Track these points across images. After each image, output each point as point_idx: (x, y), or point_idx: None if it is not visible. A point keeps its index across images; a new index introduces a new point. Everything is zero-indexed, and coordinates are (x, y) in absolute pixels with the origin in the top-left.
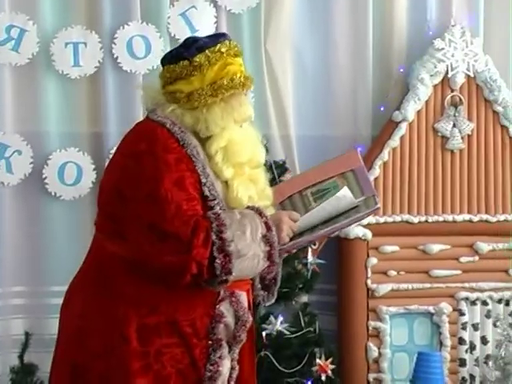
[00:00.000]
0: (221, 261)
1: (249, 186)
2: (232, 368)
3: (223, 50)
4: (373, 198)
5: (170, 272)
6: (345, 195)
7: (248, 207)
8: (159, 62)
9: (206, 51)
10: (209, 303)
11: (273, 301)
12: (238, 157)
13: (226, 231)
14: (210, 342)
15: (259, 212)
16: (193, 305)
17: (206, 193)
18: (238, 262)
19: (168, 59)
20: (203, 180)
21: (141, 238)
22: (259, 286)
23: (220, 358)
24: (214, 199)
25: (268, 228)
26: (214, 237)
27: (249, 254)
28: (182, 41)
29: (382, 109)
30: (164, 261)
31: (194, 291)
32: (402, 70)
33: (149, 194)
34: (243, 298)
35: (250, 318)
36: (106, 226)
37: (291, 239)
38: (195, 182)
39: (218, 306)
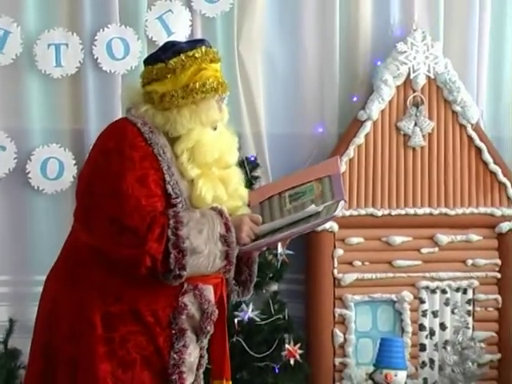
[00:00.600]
0: (175, 256)
1: (217, 186)
2: (201, 356)
3: (197, 55)
4: (336, 204)
5: (127, 264)
6: (311, 209)
7: (211, 208)
8: (140, 63)
9: (182, 55)
10: (171, 295)
11: (249, 296)
12: (204, 157)
13: (183, 228)
14: (173, 332)
15: (220, 213)
16: (155, 296)
17: (170, 191)
18: (193, 259)
19: (147, 61)
20: (167, 178)
21: (103, 230)
22: (233, 282)
23: (184, 346)
24: (177, 197)
25: (227, 229)
26: (169, 233)
27: (204, 252)
28: (159, 43)
29: (347, 109)
30: (121, 253)
31: (156, 283)
32: (368, 71)
33: (112, 188)
34: (208, 291)
35: (216, 311)
36: (80, 216)
37: (254, 241)
38: (159, 180)
39: (180, 298)
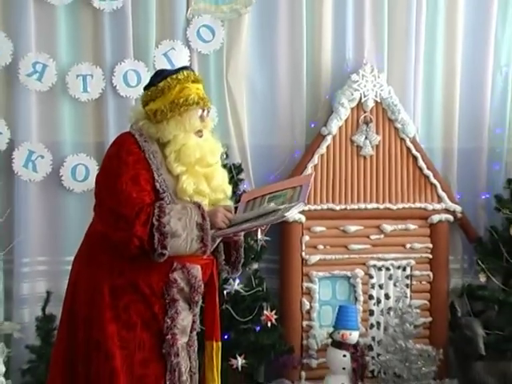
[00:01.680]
0: (158, 238)
1: (200, 181)
2: (193, 321)
3: (181, 77)
4: (293, 206)
5: (121, 244)
6: (271, 207)
7: (193, 202)
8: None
9: (168, 78)
10: (163, 272)
11: (237, 274)
12: (188, 157)
13: (164, 217)
14: (166, 301)
15: (198, 205)
16: (150, 272)
17: (158, 187)
18: (173, 241)
19: (145, 87)
20: (156, 177)
21: (106, 218)
22: (224, 263)
23: (176, 313)
24: (164, 192)
25: (203, 218)
26: (154, 220)
27: (182, 236)
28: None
29: (312, 125)
30: (116, 236)
31: (151, 262)
32: (327, 97)
33: (111, 186)
34: (196, 270)
35: (202, 286)
36: (95, 209)
37: (229, 227)
38: (149, 179)
39: (171, 275)
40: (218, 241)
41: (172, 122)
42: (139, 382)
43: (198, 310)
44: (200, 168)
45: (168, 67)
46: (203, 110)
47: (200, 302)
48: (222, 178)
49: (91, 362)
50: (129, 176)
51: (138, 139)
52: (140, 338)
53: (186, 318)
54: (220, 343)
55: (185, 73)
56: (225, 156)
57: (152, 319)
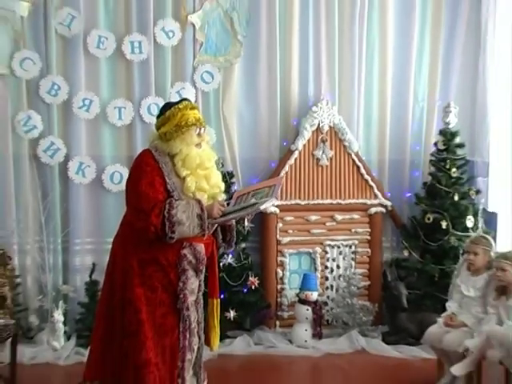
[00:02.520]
0: (168, 226)
1: (201, 181)
2: (199, 285)
3: (181, 106)
4: (268, 200)
5: (141, 231)
6: (251, 201)
7: (195, 198)
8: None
9: (172, 108)
10: (176, 249)
11: (231, 250)
12: (191, 164)
13: (173, 210)
14: (179, 270)
15: (199, 201)
16: (166, 249)
17: (168, 188)
18: (179, 228)
19: (157, 116)
20: (167, 180)
21: (131, 212)
22: (221, 241)
23: (186, 279)
24: (173, 191)
25: (202, 211)
26: (165, 212)
27: (186, 224)
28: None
29: (284, 143)
30: (138, 224)
31: (166, 243)
32: (295, 123)
33: (134, 188)
34: (200, 247)
35: (205, 259)
36: (126, 205)
37: (222, 217)
38: (162, 182)
39: (181, 251)
40: (216, 226)
41: (177, 140)
42: (159, 330)
43: (202, 276)
44: (200, 171)
45: None
46: (199, 129)
47: (204, 271)
48: (217, 177)
49: (125, 315)
50: (147, 181)
51: (153, 154)
52: (160, 297)
53: (193, 283)
54: (219, 300)
55: (184, 103)
56: (221, 165)
57: (169, 284)
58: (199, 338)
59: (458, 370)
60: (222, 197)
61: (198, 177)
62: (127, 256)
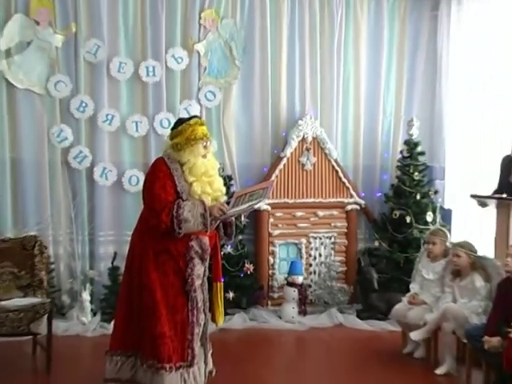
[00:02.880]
0: (175, 223)
1: (205, 186)
2: (204, 270)
3: (192, 122)
4: (261, 200)
5: (154, 227)
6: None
7: (199, 200)
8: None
9: (184, 124)
10: (185, 241)
11: (231, 242)
12: (196, 172)
13: (180, 210)
14: (187, 259)
15: (202, 202)
16: (177, 241)
17: (178, 190)
18: (185, 225)
19: (171, 128)
20: (177, 184)
21: (145, 212)
22: (223, 235)
23: (193, 265)
24: (182, 193)
25: (205, 210)
26: (173, 212)
27: (191, 222)
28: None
29: (275, 151)
30: (151, 222)
31: (176, 237)
32: (284, 134)
33: (149, 191)
34: (205, 239)
35: (209, 249)
36: (145, 202)
37: (222, 215)
38: (173, 185)
39: (189, 243)
40: (218, 222)
41: (187, 151)
42: (172, 309)
43: (207, 263)
44: (205, 178)
45: (186, 116)
46: (206, 142)
47: (208, 259)
48: (219, 182)
49: (142, 297)
50: (160, 184)
51: (166, 161)
52: (172, 281)
53: (199, 269)
54: (222, 284)
55: (195, 120)
56: (222, 170)
57: (179, 270)
58: (205, 314)
59: (416, 335)
60: (224, 199)
61: (202, 183)
62: (144, 247)
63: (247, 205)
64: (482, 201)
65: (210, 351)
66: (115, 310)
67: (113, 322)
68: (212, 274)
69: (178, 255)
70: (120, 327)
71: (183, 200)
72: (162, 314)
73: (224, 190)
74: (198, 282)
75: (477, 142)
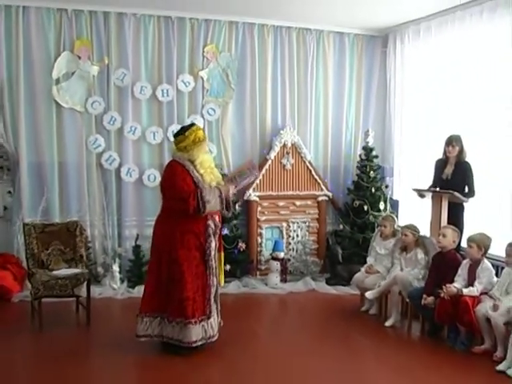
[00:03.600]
0: (201, 204)
1: (211, 175)
2: (215, 244)
3: (194, 128)
4: (251, 178)
5: (184, 211)
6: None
7: (215, 186)
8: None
9: (189, 130)
10: (204, 221)
11: (230, 214)
12: (205, 165)
13: (203, 194)
14: (206, 235)
15: (218, 188)
16: (198, 222)
17: (194, 180)
18: (208, 205)
19: (177, 135)
20: (193, 176)
21: (171, 202)
22: (225, 210)
23: (210, 240)
24: (198, 183)
25: (220, 193)
26: (198, 195)
27: (212, 203)
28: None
29: (264, 151)
30: (182, 207)
31: (198, 218)
32: (269, 140)
33: (173, 186)
34: (217, 218)
35: (220, 225)
36: (163, 196)
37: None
38: (190, 178)
39: (207, 222)
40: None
41: (195, 150)
42: (195, 276)
43: (217, 238)
44: (209, 169)
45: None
46: (205, 141)
47: (218, 235)
48: (217, 172)
49: (171, 269)
50: (180, 178)
51: (179, 161)
52: (194, 254)
53: (213, 242)
54: (222, 254)
55: (195, 126)
56: (220, 169)
57: (200, 245)
58: (216, 278)
59: (370, 294)
60: (222, 183)
61: (209, 173)
62: (171, 230)
63: (243, 182)
64: (421, 193)
65: (220, 307)
66: (144, 281)
67: (142, 290)
68: (217, 247)
69: (200, 233)
70: (149, 295)
71: (200, 188)
72: (187, 281)
73: (220, 177)
74: (212, 254)
75: (417, 148)
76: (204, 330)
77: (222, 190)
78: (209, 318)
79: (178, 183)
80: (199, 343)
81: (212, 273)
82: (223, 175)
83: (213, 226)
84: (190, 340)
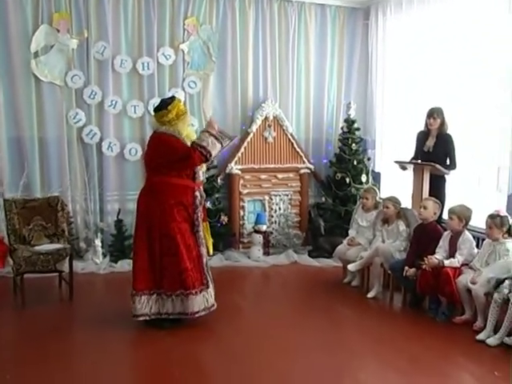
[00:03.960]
0: (204, 152)
1: (192, 139)
2: (201, 214)
3: (176, 102)
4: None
5: (189, 165)
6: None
7: (201, 131)
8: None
9: (171, 104)
10: (191, 193)
11: (210, 162)
12: (191, 138)
13: (199, 140)
14: (193, 207)
15: (202, 131)
16: (186, 194)
17: (184, 143)
18: (209, 147)
19: (158, 109)
20: (181, 140)
21: (170, 165)
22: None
23: (198, 211)
24: (186, 143)
25: (207, 131)
26: (195, 145)
27: (210, 144)
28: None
29: (243, 127)
30: (183, 165)
31: (187, 190)
32: (250, 114)
33: (172, 149)
34: (201, 189)
35: (204, 195)
36: (152, 166)
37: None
38: (181, 141)
39: (195, 193)
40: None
41: (180, 124)
42: (188, 247)
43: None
44: (192, 136)
45: None
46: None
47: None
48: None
49: (162, 244)
50: (174, 141)
51: (167, 133)
52: (185, 227)
53: (200, 213)
54: (207, 223)
55: (176, 99)
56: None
57: (188, 216)
58: (205, 248)
59: (353, 267)
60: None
61: (190, 138)
62: (158, 203)
63: (226, 141)
64: (402, 165)
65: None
66: (132, 259)
67: (125, 265)
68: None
69: (188, 205)
70: (142, 272)
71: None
72: (183, 253)
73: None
74: (200, 224)
75: (399, 120)
76: (205, 299)
77: (208, 128)
78: (208, 287)
79: (174, 145)
80: (202, 313)
81: (202, 243)
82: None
83: (199, 196)
84: (192, 310)
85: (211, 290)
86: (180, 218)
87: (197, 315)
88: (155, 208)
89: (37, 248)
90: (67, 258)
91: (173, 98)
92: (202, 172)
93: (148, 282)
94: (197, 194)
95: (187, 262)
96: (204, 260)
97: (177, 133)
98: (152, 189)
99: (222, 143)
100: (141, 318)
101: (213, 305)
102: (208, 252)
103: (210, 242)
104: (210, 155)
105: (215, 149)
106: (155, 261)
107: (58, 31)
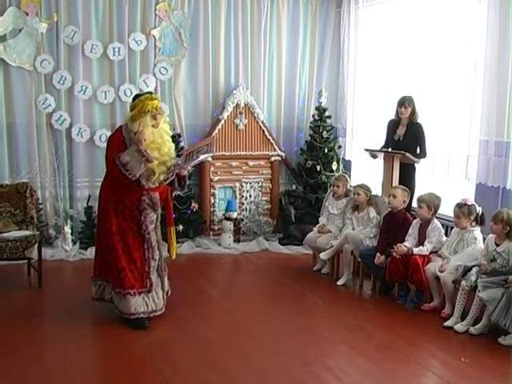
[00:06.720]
0: (121, 166)
1: (154, 152)
2: (157, 217)
3: (143, 98)
4: (207, 155)
5: (119, 181)
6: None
7: (133, 143)
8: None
9: (137, 99)
10: (137, 195)
11: (184, 191)
12: (146, 139)
13: (120, 156)
14: (140, 209)
15: (135, 143)
16: (130, 194)
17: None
18: (129, 165)
19: (133, 100)
20: (127, 144)
21: (112, 169)
22: (178, 186)
23: (146, 214)
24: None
25: (138, 146)
26: (116, 161)
27: (132, 161)
28: (142, 90)
29: (215, 114)
30: (116, 178)
31: (131, 191)
32: (222, 101)
33: (108, 156)
34: (155, 195)
35: (159, 202)
36: (106, 161)
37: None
38: (126, 146)
39: (142, 197)
40: (174, 176)
41: (137, 122)
42: (131, 247)
43: (159, 211)
44: (153, 145)
45: (146, 88)
46: (155, 115)
47: (160, 209)
48: (168, 148)
49: (105, 238)
50: (114, 149)
51: (123, 131)
52: (129, 225)
53: (152, 216)
54: (173, 227)
55: (146, 95)
56: (173, 129)
57: (134, 217)
58: (159, 251)
59: (324, 255)
60: (172, 162)
61: (151, 149)
62: (107, 197)
63: (198, 159)
64: (373, 153)
65: (166, 277)
66: (95, 248)
67: (94, 257)
68: (165, 220)
69: (132, 205)
70: (98, 261)
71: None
72: (119, 253)
73: (173, 155)
74: (151, 227)
75: (370, 108)
76: (145, 302)
77: (143, 150)
78: (149, 291)
79: (111, 154)
80: (139, 316)
81: (152, 247)
82: (177, 145)
83: (148, 201)
84: (128, 312)
85: (155, 295)
86: (125, 216)
87: (132, 317)
88: (103, 202)
89: (5, 235)
90: (36, 245)
91: (145, 94)
92: (160, 177)
93: (99, 270)
94: (144, 198)
95: (123, 261)
96: (150, 264)
97: (132, 131)
98: (105, 182)
99: (149, 160)
100: (97, 301)
101: (154, 310)
102: (170, 256)
103: (174, 246)
104: (132, 175)
105: (134, 166)
106: (103, 252)
107: (27, 14)
